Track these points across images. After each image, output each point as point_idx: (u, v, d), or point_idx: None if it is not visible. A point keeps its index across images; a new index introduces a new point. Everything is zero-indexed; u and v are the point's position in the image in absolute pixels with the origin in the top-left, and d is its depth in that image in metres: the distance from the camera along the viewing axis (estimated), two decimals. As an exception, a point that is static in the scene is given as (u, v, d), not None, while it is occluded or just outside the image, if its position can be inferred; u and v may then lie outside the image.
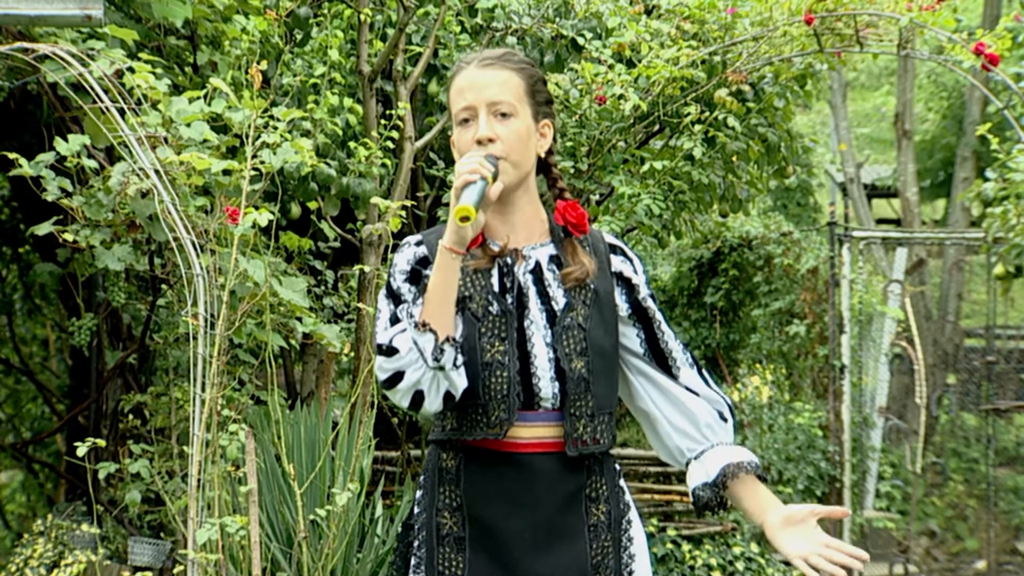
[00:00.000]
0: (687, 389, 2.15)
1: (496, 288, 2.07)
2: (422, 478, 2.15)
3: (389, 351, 1.98)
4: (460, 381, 2.00)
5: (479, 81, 2.07)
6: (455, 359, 1.98)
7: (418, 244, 2.13)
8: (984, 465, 8.41)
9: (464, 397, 2.02)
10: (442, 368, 1.97)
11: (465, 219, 1.92)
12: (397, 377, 1.98)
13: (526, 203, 2.13)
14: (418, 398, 1.99)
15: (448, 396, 2.01)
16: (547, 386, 2.05)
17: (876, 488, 7.93)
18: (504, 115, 2.06)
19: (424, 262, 2.09)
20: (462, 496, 2.07)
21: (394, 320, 2.04)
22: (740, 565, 5.40)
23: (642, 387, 2.17)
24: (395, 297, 2.07)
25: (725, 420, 2.16)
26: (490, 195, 1.98)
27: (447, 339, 1.97)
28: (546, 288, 2.10)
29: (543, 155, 2.16)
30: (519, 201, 2.12)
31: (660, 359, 2.17)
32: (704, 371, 2.20)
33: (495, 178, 2.00)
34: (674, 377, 2.16)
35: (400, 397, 2.00)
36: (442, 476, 2.10)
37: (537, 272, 2.11)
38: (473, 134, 2.06)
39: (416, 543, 2.12)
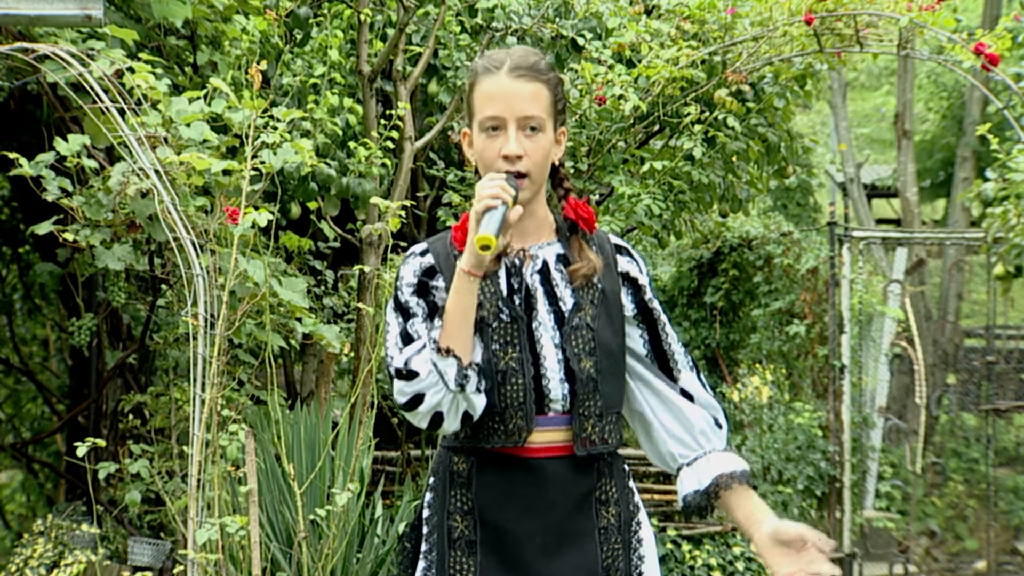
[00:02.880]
0: (683, 393, 2.15)
1: (504, 291, 2.07)
2: (432, 480, 2.14)
3: (409, 375, 1.97)
4: (480, 402, 2.01)
5: (511, 93, 2.04)
6: (478, 383, 1.99)
7: (423, 254, 2.11)
8: (984, 465, 8.40)
9: None
10: (463, 391, 1.97)
11: (485, 248, 1.90)
12: (417, 400, 1.97)
13: (537, 207, 2.13)
14: (437, 419, 2.00)
15: (466, 416, 2.01)
16: (556, 388, 2.05)
17: (876, 488, 7.93)
18: (532, 129, 2.05)
19: (430, 272, 2.08)
20: (474, 500, 2.07)
21: (405, 337, 2.03)
22: (740, 565, 5.40)
23: (639, 390, 2.17)
24: (404, 311, 2.06)
25: (720, 427, 2.16)
26: (510, 219, 1.97)
27: (470, 364, 1.97)
28: (554, 288, 2.10)
29: (557, 163, 2.16)
30: (531, 207, 2.11)
31: (662, 361, 2.16)
32: (701, 375, 2.20)
33: (515, 200, 1.99)
34: (674, 379, 2.16)
35: (420, 419, 2.00)
36: (453, 480, 2.10)
37: (545, 272, 2.11)
38: (500, 146, 2.04)
39: (427, 546, 2.12)
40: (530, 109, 2.05)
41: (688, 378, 2.16)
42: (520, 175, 2.04)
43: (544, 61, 2.12)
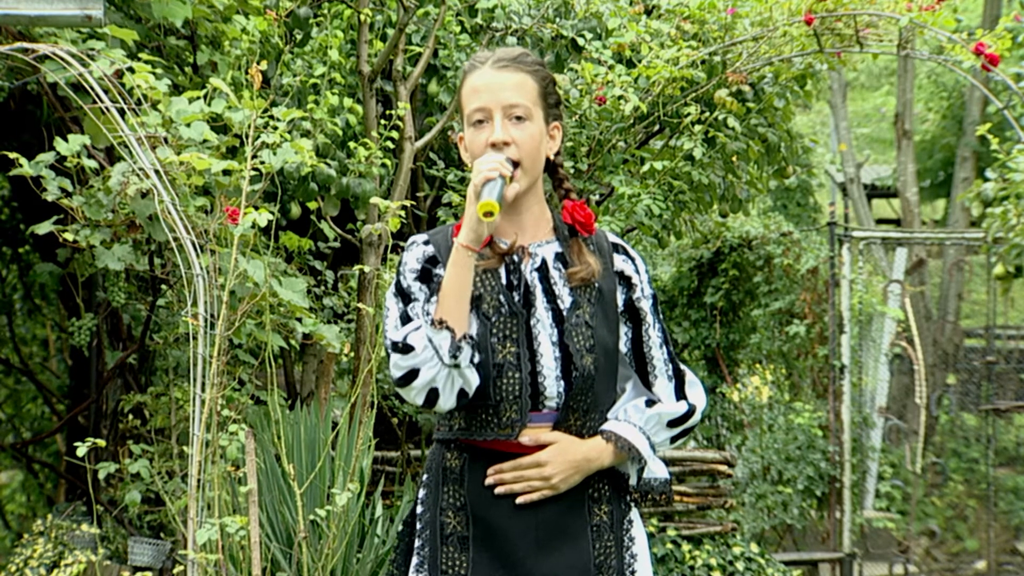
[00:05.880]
0: (649, 402, 2.15)
1: (504, 286, 2.08)
2: (425, 477, 2.15)
3: (404, 348, 1.98)
4: (474, 379, 2.01)
5: (495, 83, 2.07)
6: (471, 357, 1.99)
7: (426, 243, 2.13)
8: (984, 465, 8.41)
9: (475, 397, 2.03)
10: (458, 366, 1.98)
11: (489, 214, 1.92)
12: (412, 375, 1.98)
13: (534, 203, 2.14)
14: (432, 396, 2.00)
15: (462, 394, 2.02)
16: (552, 385, 2.06)
17: (876, 488, 7.93)
18: (519, 118, 2.07)
19: (433, 261, 2.10)
20: (466, 495, 2.08)
21: (404, 319, 2.04)
22: (740, 565, 5.39)
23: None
24: (404, 295, 2.07)
25: (670, 425, 2.14)
26: (507, 195, 2.00)
27: (463, 336, 1.98)
28: (552, 287, 2.11)
29: (552, 157, 2.17)
30: (527, 202, 2.13)
31: (640, 363, 2.17)
32: (686, 385, 2.19)
33: (512, 179, 2.01)
34: (648, 385, 2.17)
35: (415, 395, 2.00)
36: (446, 475, 2.10)
37: (543, 270, 2.12)
38: (487, 136, 2.06)
39: (419, 542, 2.12)
40: (515, 97, 2.06)
41: (662, 386, 2.17)
42: (513, 164, 2.04)
43: (531, 55, 2.14)
